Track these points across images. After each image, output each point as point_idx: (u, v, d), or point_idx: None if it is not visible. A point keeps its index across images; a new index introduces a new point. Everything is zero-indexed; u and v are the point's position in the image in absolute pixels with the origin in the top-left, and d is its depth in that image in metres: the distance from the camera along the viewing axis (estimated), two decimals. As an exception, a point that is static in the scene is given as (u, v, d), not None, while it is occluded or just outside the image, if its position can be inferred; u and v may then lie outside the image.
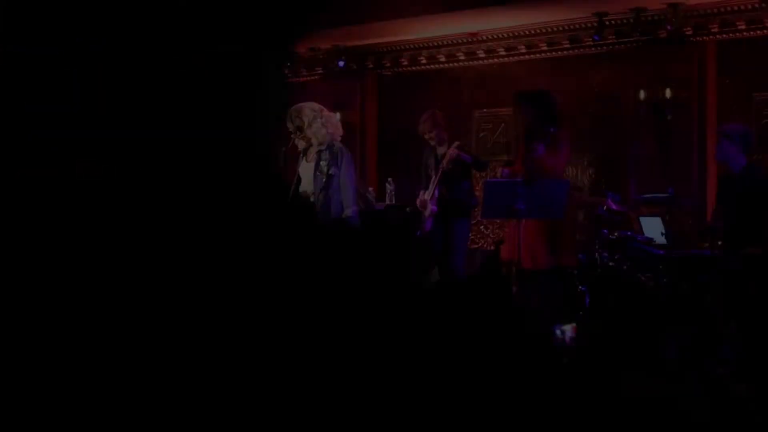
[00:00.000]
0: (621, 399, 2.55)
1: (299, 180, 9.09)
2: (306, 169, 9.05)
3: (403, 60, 12.57)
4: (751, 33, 10.08)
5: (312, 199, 8.90)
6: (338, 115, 12.45)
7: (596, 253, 9.30)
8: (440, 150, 10.09)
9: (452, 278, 10.11)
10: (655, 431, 2.46)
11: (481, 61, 12.12)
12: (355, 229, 6.63)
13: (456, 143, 10.07)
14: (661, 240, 8.89)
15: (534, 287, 8.78)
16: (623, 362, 3.79)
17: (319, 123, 8.93)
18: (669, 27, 10.12)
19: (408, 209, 11.03)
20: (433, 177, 10.03)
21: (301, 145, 9.07)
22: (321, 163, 8.85)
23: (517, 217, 9.01)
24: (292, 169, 9.23)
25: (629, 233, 9.31)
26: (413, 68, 12.69)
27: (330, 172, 8.77)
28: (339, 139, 9.05)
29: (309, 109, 9.05)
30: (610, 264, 9.13)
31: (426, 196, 10.05)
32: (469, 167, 10.08)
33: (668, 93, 10.25)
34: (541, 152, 9.30)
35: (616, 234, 9.18)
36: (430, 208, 9.97)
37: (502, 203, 9.05)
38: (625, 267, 9.02)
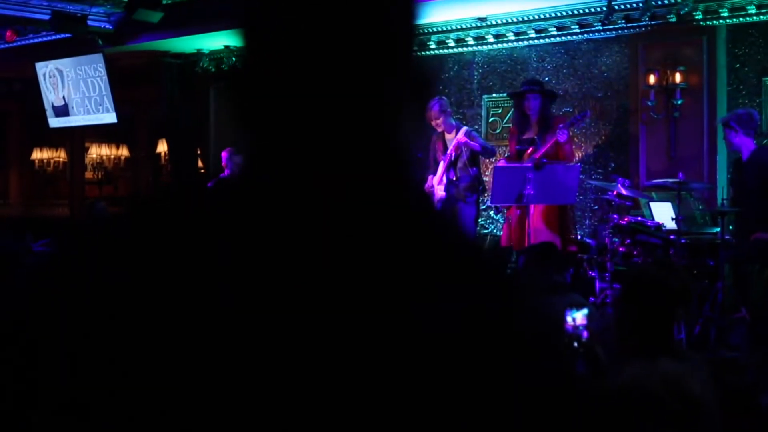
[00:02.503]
0: (623, 383, 2.55)
1: None
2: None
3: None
4: (762, 17, 10.04)
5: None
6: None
7: (606, 239, 9.31)
8: (448, 136, 10.10)
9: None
10: (657, 413, 2.46)
11: (490, 46, 12.10)
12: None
13: (464, 129, 10.09)
14: (671, 225, 8.89)
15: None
16: (633, 347, 3.78)
17: None
18: (679, 11, 10.07)
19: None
20: (442, 163, 10.04)
21: None
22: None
23: (526, 202, 9.03)
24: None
25: (639, 218, 9.31)
26: (422, 53, 12.63)
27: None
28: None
29: None
30: (620, 249, 9.14)
31: (434, 181, 10.06)
32: (478, 153, 10.09)
33: (678, 77, 10.22)
34: (565, 138, 9.32)
35: (626, 219, 9.17)
36: (439, 193, 9.98)
37: (511, 189, 9.07)
38: (635, 252, 9.03)
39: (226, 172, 12.41)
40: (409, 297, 1.01)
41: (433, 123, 10.01)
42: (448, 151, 10.01)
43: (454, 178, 10.03)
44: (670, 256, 8.68)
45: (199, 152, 15.14)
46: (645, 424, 2.35)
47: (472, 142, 9.93)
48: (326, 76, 1.07)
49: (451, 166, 10.00)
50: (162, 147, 16.48)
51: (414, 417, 0.98)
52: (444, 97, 10.33)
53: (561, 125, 9.36)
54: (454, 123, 10.15)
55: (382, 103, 1.10)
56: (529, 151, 9.53)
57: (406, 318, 1.00)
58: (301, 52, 1.08)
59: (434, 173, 10.14)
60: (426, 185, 10.17)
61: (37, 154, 18.65)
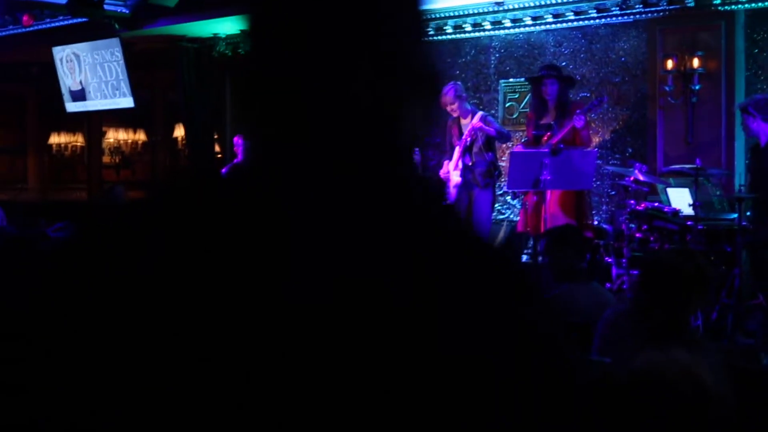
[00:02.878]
0: (634, 370, 2.55)
1: None
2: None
3: (428, 29, 12.48)
4: (781, 1, 10.00)
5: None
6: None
7: (623, 225, 9.29)
8: (464, 121, 10.07)
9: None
10: (668, 401, 2.46)
11: (507, 31, 12.06)
12: None
13: (480, 114, 10.06)
14: (688, 211, 8.86)
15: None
16: (647, 334, 3.77)
17: None
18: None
19: (434, 179, 11.00)
20: (457, 148, 10.01)
21: None
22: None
23: (543, 188, 9.01)
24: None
25: (656, 204, 9.27)
26: (440, 37, 12.62)
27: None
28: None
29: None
30: (637, 235, 9.11)
31: (450, 166, 10.04)
32: (493, 138, 10.07)
33: (696, 63, 10.17)
34: (582, 123, 9.31)
35: (642, 205, 9.14)
36: (455, 179, 9.96)
37: (527, 174, 9.05)
38: (651, 238, 9.00)
39: (239, 158, 12.43)
40: (412, 291, 1.01)
41: (448, 108, 9.98)
42: (464, 136, 9.98)
43: (470, 164, 10.01)
44: (687, 242, 8.65)
45: (216, 137, 15.15)
46: (656, 412, 2.34)
47: (487, 127, 9.90)
48: (329, 67, 1.07)
49: (467, 151, 9.98)
50: (179, 131, 16.51)
51: (418, 414, 0.98)
52: (459, 83, 10.30)
53: (578, 110, 9.33)
54: (469, 108, 10.12)
55: (385, 98, 1.10)
56: (546, 136, 9.50)
57: (411, 312, 1.00)
58: (306, 47, 1.07)
59: (450, 158, 10.12)
60: (442, 171, 10.16)
61: (54, 139, 18.70)
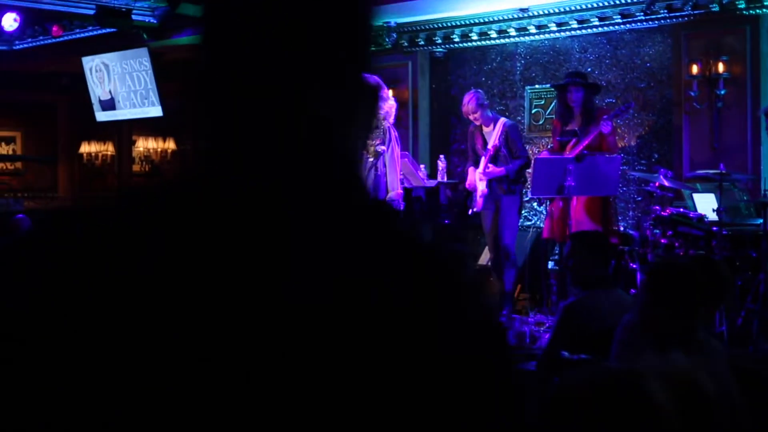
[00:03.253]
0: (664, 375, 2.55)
1: None
2: (349, 146, 9.05)
3: (454, 36, 12.52)
4: (807, 5, 9.94)
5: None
6: (390, 93, 12.50)
7: (647, 231, 9.25)
8: (486, 129, 10.05)
9: (504, 256, 10.12)
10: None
11: (532, 37, 12.06)
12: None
13: (502, 122, 9.99)
14: (713, 216, 8.82)
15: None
16: (655, 339, 3.77)
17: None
18: (721, 0, 9.98)
19: (460, 186, 11.02)
20: (483, 158, 9.98)
21: None
22: (368, 141, 8.84)
23: (567, 194, 9.01)
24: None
25: (681, 210, 9.24)
26: (465, 44, 12.64)
27: (378, 150, 8.77)
28: (391, 120, 9.04)
29: (372, 79, 9.05)
30: (662, 241, 9.08)
31: (476, 176, 10.03)
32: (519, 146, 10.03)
33: (721, 67, 10.13)
34: (609, 129, 9.29)
35: (667, 211, 9.11)
36: (481, 188, 9.94)
37: (552, 180, 9.05)
38: (676, 244, 8.96)
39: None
40: (349, 294, 1.04)
41: (471, 117, 9.96)
42: (488, 148, 9.95)
43: (501, 173, 9.97)
44: (713, 247, 8.62)
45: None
46: (649, 416, 2.34)
47: (498, 170, 9.85)
48: (275, 76, 1.10)
49: (492, 160, 9.96)
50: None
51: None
52: (480, 90, 10.26)
53: (605, 117, 9.31)
54: (491, 115, 10.09)
55: (335, 108, 1.13)
56: (572, 143, 9.49)
57: (348, 311, 1.03)
58: (259, 59, 1.10)
59: (474, 165, 10.10)
60: (467, 181, 10.10)
61: (85, 148, 18.84)
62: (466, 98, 9.92)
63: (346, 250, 1.06)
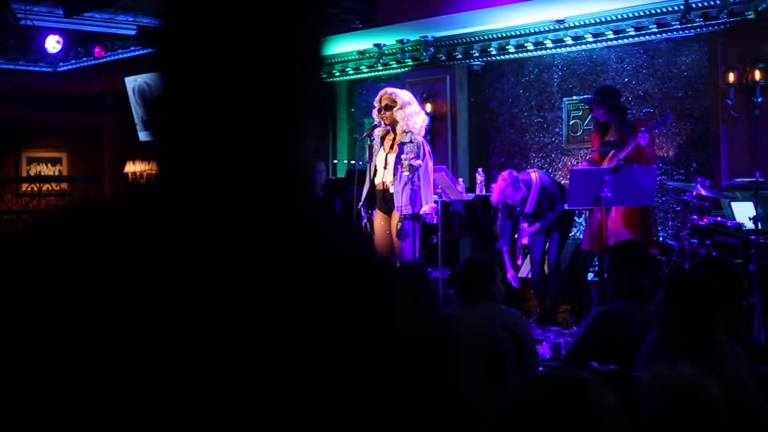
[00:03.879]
0: (640, 386, 2.57)
1: (375, 170, 9.12)
2: (383, 159, 9.07)
3: (491, 49, 12.54)
4: (844, 10, 9.87)
5: (392, 190, 8.94)
6: (429, 107, 12.54)
7: (685, 240, 9.20)
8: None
9: (548, 266, 10.17)
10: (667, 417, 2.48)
11: (569, 48, 12.05)
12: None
13: (535, 184, 9.98)
14: (751, 225, 8.75)
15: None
16: (690, 348, 3.77)
17: (412, 109, 8.95)
18: (757, 7, 9.92)
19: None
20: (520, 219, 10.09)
21: (380, 132, 9.11)
22: (403, 156, 8.86)
23: (604, 205, 8.99)
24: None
25: (719, 219, 9.18)
26: (502, 57, 12.66)
27: (413, 165, 8.79)
28: (422, 135, 9.07)
29: (405, 93, 9.11)
30: (701, 250, 9.02)
31: (524, 239, 10.14)
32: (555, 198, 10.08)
33: (758, 75, 10.07)
34: (646, 141, 9.26)
35: (705, 220, 9.06)
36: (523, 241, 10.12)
37: (588, 191, 9.03)
38: (714, 254, 8.91)
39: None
40: (293, 301, 1.07)
41: (510, 202, 9.98)
42: (525, 211, 10.01)
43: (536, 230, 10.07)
44: (750, 256, 8.56)
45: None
46: (656, 426, 2.36)
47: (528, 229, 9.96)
48: (235, 89, 1.13)
49: (528, 218, 10.03)
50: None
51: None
52: (512, 172, 10.16)
53: (642, 129, 9.27)
54: (522, 187, 10.00)
55: (288, 118, 1.16)
56: (611, 154, 9.48)
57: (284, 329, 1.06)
58: (213, 70, 1.14)
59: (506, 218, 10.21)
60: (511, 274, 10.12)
61: (130, 167, 19.01)
62: (501, 186, 9.90)
63: (288, 269, 1.09)
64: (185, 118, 1.15)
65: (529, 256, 10.44)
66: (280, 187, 1.15)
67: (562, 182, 10.86)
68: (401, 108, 8.90)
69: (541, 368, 6.67)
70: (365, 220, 9.28)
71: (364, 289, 1.13)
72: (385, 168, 9.02)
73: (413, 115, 8.93)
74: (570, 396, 2.00)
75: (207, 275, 1.08)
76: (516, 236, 10.17)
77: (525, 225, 10.01)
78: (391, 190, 8.94)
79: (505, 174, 9.94)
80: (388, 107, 8.92)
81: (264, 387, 1.04)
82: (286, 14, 1.15)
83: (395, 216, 8.92)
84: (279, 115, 1.15)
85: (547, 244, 10.19)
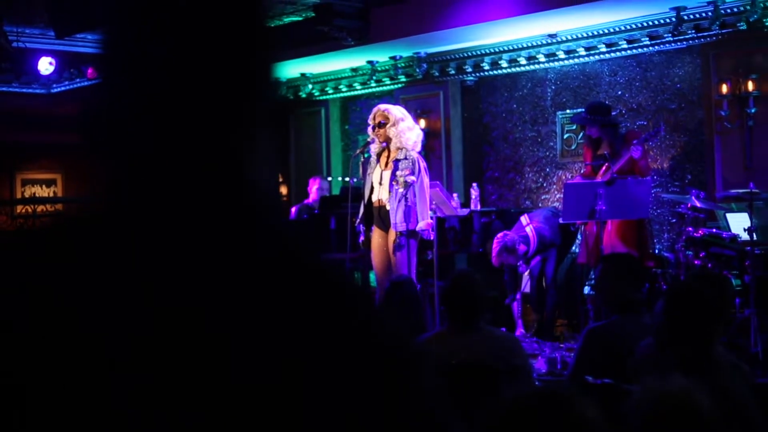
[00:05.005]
0: (633, 399, 2.56)
1: (372, 187, 9.12)
2: (378, 176, 9.06)
3: (483, 64, 12.55)
4: (835, 20, 9.87)
5: (388, 207, 8.93)
6: (423, 123, 12.54)
7: (680, 253, 9.19)
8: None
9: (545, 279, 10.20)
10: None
11: (562, 62, 12.06)
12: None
13: (532, 236, 10.02)
14: (746, 236, 8.74)
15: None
16: (687, 361, 3.75)
17: (405, 125, 8.94)
18: (748, 18, 9.93)
19: (493, 215, 11.02)
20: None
21: (375, 149, 9.10)
22: (398, 172, 8.84)
23: (599, 218, 8.98)
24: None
25: (714, 230, 9.17)
26: (495, 72, 12.67)
27: (408, 181, 8.77)
28: (417, 150, 9.06)
29: (398, 109, 9.10)
30: (696, 262, 9.01)
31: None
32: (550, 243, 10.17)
33: (751, 86, 10.08)
34: (639, 154, 9.27)
35: (700, 232, 9.05)
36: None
37: (582, 205, 9.02)
38: (709, 265, 8.90)
39: (310, 198, 12.61)
40: (243, 307, 1.06)
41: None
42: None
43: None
44: (746, 267, 8.55)
45: (281, 179, 15.32)
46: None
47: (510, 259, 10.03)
48: (177, 104, 1.13)
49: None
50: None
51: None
52: (500, 241, 10.15)
53: (635, 141, 9.28)
54: (519, 246, 10.02)
55: (238, 130, 1.15)
56: (604, 168, 9.47)
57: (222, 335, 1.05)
58: (160, 85, 1.13)
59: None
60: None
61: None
62: (494, 250, 9.94)
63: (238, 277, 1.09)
64: (141, 131, 1.15)
65: (528, 271, 10.44)
66: (230, 194, 1.15)
67: (557, 197, 10.85)
68: (393, 125, 8.88)
69: (537, 383, 6.65)
70: (362, 238, 9.27)
71: (308, 291, 1.14)
72: (380, 185, 9.01)
73: (406, 131, 8.91)
74: (552, 410, 1.99)
75: (159, 280, 1.07)
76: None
77: (521, 263, 10.11)
78: (387, 207, 8.92)
79: (499, 236, 9.91)
80: (381, 124, 8.91)
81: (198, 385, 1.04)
82: (234, 33, 1.16)
83: (392, 233, 8.90)
84: (229, 127, 1.15)
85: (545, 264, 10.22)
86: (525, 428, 1.98)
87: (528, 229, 9.97)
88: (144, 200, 1.13)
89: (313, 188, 12.71)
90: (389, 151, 8.99)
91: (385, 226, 9.01)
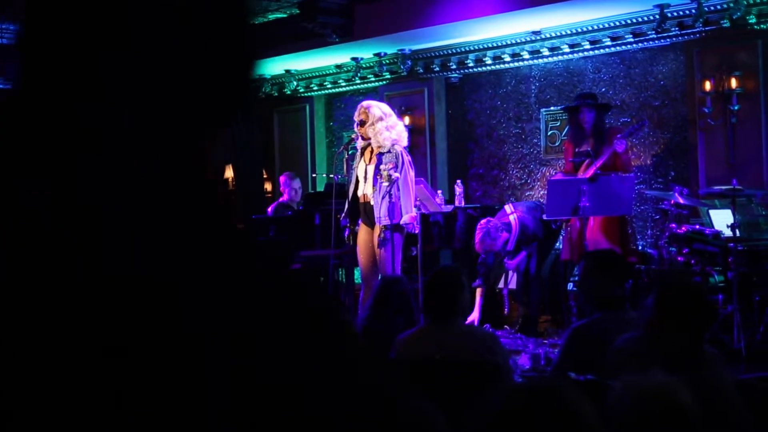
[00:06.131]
0: (612, 395, 2.58)
1: (357, 181, 9.13)
2: (363, 171, 9.08)
3: (468, 61, 12.56)
4: (818, 18, 9.90)
5: (372, 202, 8.94)
6: (407, 119, 12.54)
7: (664, 249, 9.22)
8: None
9: (533, 282, 10.21)
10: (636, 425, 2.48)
11: (546, 59, 12.07)
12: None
13: (515, 224, 10.05)
14: (729, 233, 8.77)
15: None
16: (676, 356, 3.76)
17: (382, 126, 8.93)
18: (732, 15, 9.96)
19: (477, 210, 11.02)
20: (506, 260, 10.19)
21: (360, 143, 9.13)
22: (381, 166, 8.86)
23: (582, 215, 8.99)
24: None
25: (697, 227, 9.21)
26: (479, 69, 12.68)
27: (391, 175, 8.78)
28: (403, 144, 9.06)
29: (378, 108, 9.08)
30: (679, 259, 9.04)
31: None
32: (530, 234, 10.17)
33: (734, 83, 10.11)
34: (623, 148, 9.29)
35: (683, 228, 9.08)
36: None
37: (566, 202, 9.04)
38: (692, 261, 8.93)
39: (284, 197, 12.56)
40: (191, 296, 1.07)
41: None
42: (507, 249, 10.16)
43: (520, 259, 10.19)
44: (729, 263, 8.58)
45: (265, 176, 15.31)
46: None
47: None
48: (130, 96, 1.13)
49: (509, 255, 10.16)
50: (229, 172, 16.67)
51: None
52: (483, 228, 10.15)
53: (619, 135, 9.31)
54: (501, 234, 10.05)
55: (187, 126, 1.15)
56: (585, 164, 9.49)
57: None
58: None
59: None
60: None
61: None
62: (477, 236, 9.98)
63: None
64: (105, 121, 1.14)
65: (516, 267, 10.46)
66: (193, 185, 1.15)
67: (541, 193, 10.87)
68: (372, 124, 8.91)
69: (520, 379, 6.66)
70: (348, 233, 9.27)
71: (264, 285, 1.14)
72: (365, 180, 9.02)
73: (383, 131, 8.91)
74: (548, 402, 2.00)
75: (117, 272, 1.08)
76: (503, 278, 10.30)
77: (507, 260, 10.09)
78: (372, 203, 8.94)
79: (482, 223, 9.95)
80: (362, 122, 8.95)
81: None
82: (201, 34, 1.15)
83: (378, 228, 8.91)
84: (194, 123, 1.15)
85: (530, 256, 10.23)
86: (520, 422, 1.99)
87: (511, 218, 10.01)
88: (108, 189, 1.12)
89: (287, 186, 12.69)
90: (372, 147, 9.02)
91: (370, 222, 9.02)
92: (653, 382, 2.53)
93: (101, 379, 1.03)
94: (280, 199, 12.66)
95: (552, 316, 10.72)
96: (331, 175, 12.21)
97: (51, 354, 1.03)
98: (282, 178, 12.90)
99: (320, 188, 13.19)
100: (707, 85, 10.28)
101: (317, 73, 14.22)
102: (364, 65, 13.42)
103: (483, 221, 9.97)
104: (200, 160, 1.17)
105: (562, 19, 11.18)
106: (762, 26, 9.99)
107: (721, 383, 3.64)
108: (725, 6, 10.02)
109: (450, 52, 12.63)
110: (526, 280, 10.27)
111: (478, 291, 10.13)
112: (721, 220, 9.19)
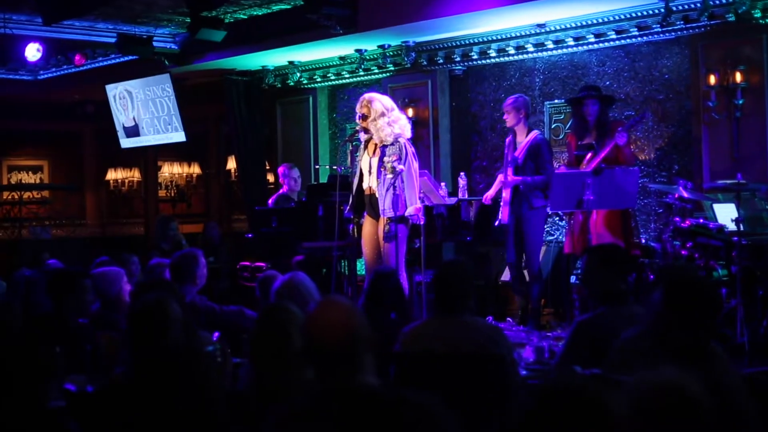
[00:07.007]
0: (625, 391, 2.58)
1: (361, 174, 9.14)
2: (368, 163, 9.08)
3: (472, 54, 12.54)
4: (823, 12, 9.89)
5: (377, 195, 8.94)
6: (411, 112, 12.54)
7: (667, 243, 9.21)
8: (519, 138, 10.09)
9: (528, 270, 10.14)
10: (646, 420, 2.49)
11: (550, 52, 12.06)
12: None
13: (534, 134, 10.05)
14: (733, 227, 8.76)
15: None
16: (684, 352, 3.76)
17: (385, 121, 8.94)
18: (737, 10, 9.94)
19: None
20: (509, 166, 10.03)
21: (363, 136, 9.13)
22: (385, 158, 8.86)
23: (586, 208, 8.99)
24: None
25: (701, 221, 9.20)
26: (483, 62, 12.66)
27: (395, 167, 8.78)
28: (407, 135, 9.06)
29: (380, 102, 9.07)
30: (683, 253, 9.04)
31: (501, 179, 10.09)
32: (545, 160, 10.03)
33: (739, 77, 10.09)
34: (624, 140, 9.28)
35: (687, 222, 9.07)
36: (504, 196, 9.98)
37: (570, 195, 9.03)
38: (696, 255, 8.93)
39: (284, 188, 12.57)
40: None
41: (505, 116, 10.06)
42: (515, 155, 10.00)
43: (520, 182, 9.98)
44: (732, 257, 8.57)
45: (268, 167, 15.31)
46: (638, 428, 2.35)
47: (523, 181, 9.96)
48: None
49: (517, 171, 9.98)
50: (232, 163, 16.69)
51: None
52: (526, 98, 10.25)
53: (620, 128, 9.31)
54: (525, 125, 10.08)
55: None
56: (588, 156, 9.49)
57: None
58: None
59: (504, 173, 10.14)
60: (486, 194, 10.19)
61: (111, 175, 19.00)
62: (509, 99, 10.04)
63: None
64: None
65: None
66: None
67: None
68: (374, 120, 8.93)
69: (524, 372, 6.67)
70: (352, 226, 9.29)
71: None
72: (370, 173, 9.04)
73: (385, 126, 8.92)
74: (583, 402, 2.00)
75: None
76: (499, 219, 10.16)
77: (509, 171, 10.01)
78: (377, 195, 8.95)
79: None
80: (364, 117, 8.98)
81: None
82: None
83: (382, 220, 8.92)
84: None
85: (524, 237, 10.08)
86: (553, 422, 1.99)
87: (535, 130, 10.34)
88: None
89: (286, 177, 12.67)
90: (373, 139, 9.04)
91: (375, 214, 9.03)
92: (667, 377, 2.53)
93: None
94: (281, 191, 12.64)
95: (555, 309, 10.74)
96: (335, 167, 12.21)
97: None
98: (280, 170, 12.88)
99: (323, 180, 13.18)
100: (712, 79, 10.27)
101: (321, 65, 14.20)
102: (367, 57, 13.40)
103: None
104: None
105: (567, 12, 11.16)
106: (767, 20, 9.97)
107: (729, 378, 3.65)
108: (730, 0, 9.99)
109: (454, 44, 12.61)
110: (521, 271, 10.23)
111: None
112: (725, 214, 9.18)
